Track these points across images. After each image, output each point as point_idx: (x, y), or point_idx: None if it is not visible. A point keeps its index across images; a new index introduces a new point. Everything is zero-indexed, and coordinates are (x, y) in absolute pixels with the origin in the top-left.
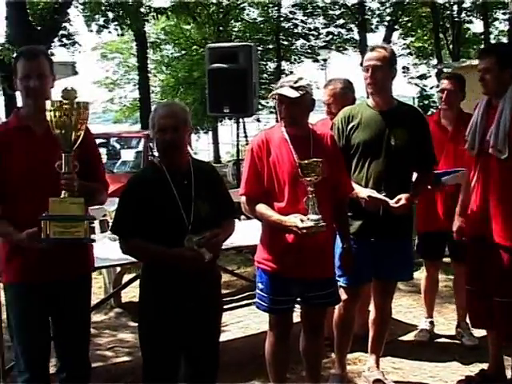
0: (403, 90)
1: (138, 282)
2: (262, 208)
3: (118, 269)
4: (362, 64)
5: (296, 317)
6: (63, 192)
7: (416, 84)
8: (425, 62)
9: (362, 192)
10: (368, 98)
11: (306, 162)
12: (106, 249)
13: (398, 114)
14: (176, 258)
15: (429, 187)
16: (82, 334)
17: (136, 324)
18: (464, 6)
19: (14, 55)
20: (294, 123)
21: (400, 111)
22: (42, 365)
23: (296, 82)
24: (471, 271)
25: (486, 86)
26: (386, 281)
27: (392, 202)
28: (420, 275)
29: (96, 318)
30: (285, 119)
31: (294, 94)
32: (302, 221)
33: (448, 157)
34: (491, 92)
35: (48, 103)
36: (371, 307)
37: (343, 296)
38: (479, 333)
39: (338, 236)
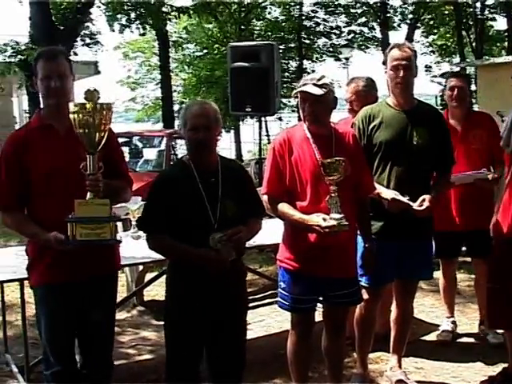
0: (425, 88)
1: (160, 281)
2: (284, 207)
3: (141, 267)
4: (384, 62)
5: (318, 316)
6: (88, 193)
7: (438, 82)
8: (447, 60)
9: (386, 193)
10: (389, 96)
11: (329, 160)
12: (129, 247)
13: (419, 114)
14: (201, 258)
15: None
16: (106, 333)
17: (158, 322)
18: (487, 3)
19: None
20: (317, 121)
21: (421, 111)
22: (70, 360)
23: (319, 80)
24: (498, 269)
25: None
26: (407, 280)
27: (415, 205)
28: (440, 275)
29: (119, 316)
30: (308, 117)
31: (317, 91)
32: (324, 220)
33: (459, 156)
34: None
35: (71, 105)
36: (393, 307)
37: (364, 296)
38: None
39: (358, 238)
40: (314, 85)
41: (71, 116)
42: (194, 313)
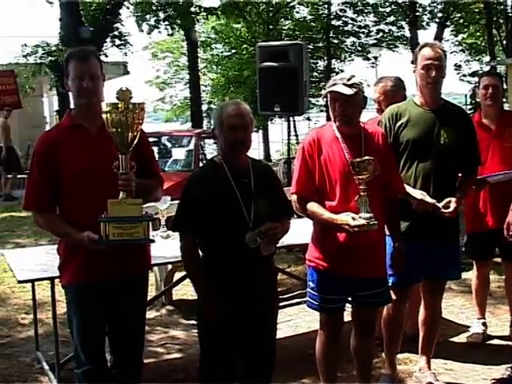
0: (455, 87)
1: (189, 280)
2: (313, 206)
3: (170, 266)
4: (413, 62)
5: (347, 316)
6: (121, 193)
7: (468, 81)
8: (477, 58)
9: (413, 193)
10: (414, 95)
11: (358, 160)
12: (158, 247)
13: (446, 113)
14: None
15: (473, 187)
16: (137, 333)
17: (187, 321)
18: None
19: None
20: (348, 121)
21: (448, 110)
22: (101, 359)
23: (349, 80)
24: None
25: None
26: (435, 280)
27: (441, 205)
28: (472, 275)
29: (148, 315)
30: (339, 117)
31: (348, 91)
32: (353, 219)
33: (494, 156)
34: None
35: (104, 105)
36: (421, 307)
37: (392, 296)
38: None
39: (388, 235)
40: (344, 85)
41: (104, 116)
42: (226, 312)
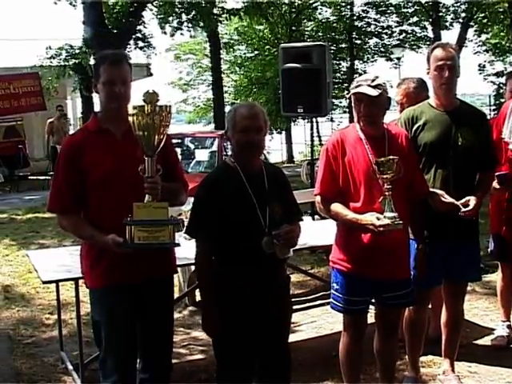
0: (479, 88)
1: None
2: (337, 207)
3: (193, 268)
4: (428, 60)
5: (370, 317)
6: (147, 196)
7: (492, 82)
8: (501, 59)
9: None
10: (429, 97)
11: (383, 159)
12: (181, 248)
13: (462, 114)
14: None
15: (497, 186)
16: (166, 335)
17: None
18: None
19: (92, 58)
20: (372, 122)
21: (464, 111)
22: (129, 366)
23: (373, 81)
24: None
25: None
26: (455, 282)
27: (460, 204)
28: (497, 277)
29: None
30: (363, 118)
31: (373, 92)
32: (378, 219)
33: None
34: None
35: (130, 107)
36: (443, 309)
37: None
38: None
39: (411, 237)
40: (369, 86)
41: (130, 118)
42: (240, 315)
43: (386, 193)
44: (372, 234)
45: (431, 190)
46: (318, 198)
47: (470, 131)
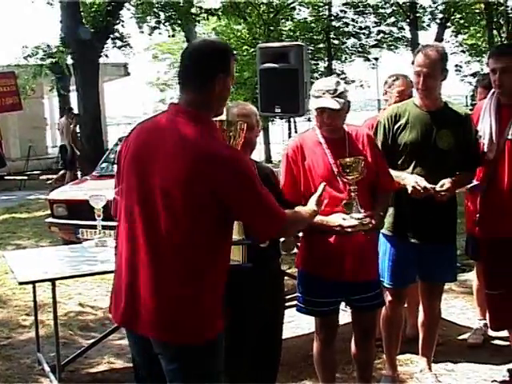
0: (456, 88)
1: None
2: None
3: None
4: (413, 62)
5: (348, 317)
6: None
7: (469, 82)
8: (478, 59)
9: (408, 180)
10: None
11: (348, 160)
12: None
13: (445, 116)
14: None
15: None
16: None
17: None
18: None
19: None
20: (333, 130)
21: (447, 112)
22: None
23: (335, 91)
24: (495, 274)
25: (502, 85)
26: (431, 283)
27: (438, 187)
28: (473, 276)
29: None
30: (326, 127)
31: (335, 105)
32: (344, 219)
33: None
34: (508, 92)
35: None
36: (420, 309)
37: (388, 297)
38: None
39: (380, 238)
40: (332, 97)
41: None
42: (234, 315)
43: (352, 193)
44: (337, 236)
45: (410, 175)
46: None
47: (451, 133)
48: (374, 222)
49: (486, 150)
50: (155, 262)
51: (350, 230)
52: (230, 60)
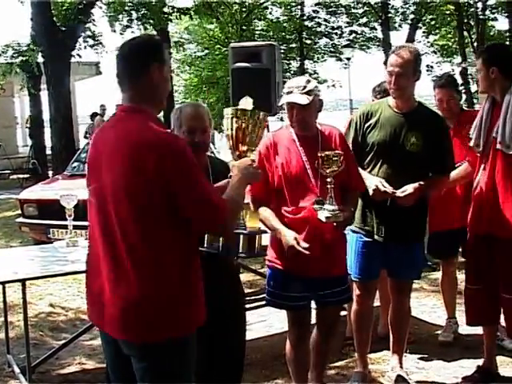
0: (427, 88)
1: None
2: (266, 212)
3: None
4: (385, 63)
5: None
6: None
7: None
8: (448, 60)
9: (370, 181)
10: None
11: (328, 153)
12: None
13: (416, 117)
14: None
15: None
16: None
17: None
18: (489, 3)
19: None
20: (304, 127)
21: (419, 114)
22: None
23: (305, 88)
24: (475, 270)
25: (478, 84)
26: (399, 280)
27: (399, 193)
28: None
29: None
30: (296, 123)
31: (304, 100)
32: (295, 239)
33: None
34: (484, 90)
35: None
36: (390, 306)
37: (356, 291)
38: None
39: (348, 234)
40: (301, 93)
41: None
42: None
43: (328, 186)
44: (306, 234)
45: (373, 177)
46: (250, 199)
47: (421, 135)
48: (345, 214)
49: (472, 144)
50: (113, 264)
51: (293, 252)
52: (162, 49)
